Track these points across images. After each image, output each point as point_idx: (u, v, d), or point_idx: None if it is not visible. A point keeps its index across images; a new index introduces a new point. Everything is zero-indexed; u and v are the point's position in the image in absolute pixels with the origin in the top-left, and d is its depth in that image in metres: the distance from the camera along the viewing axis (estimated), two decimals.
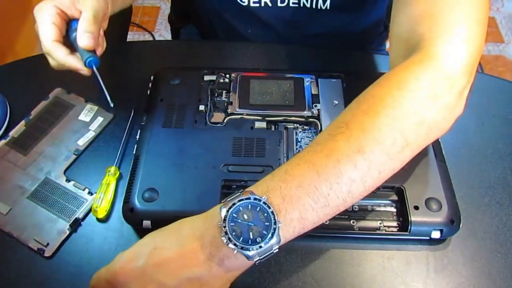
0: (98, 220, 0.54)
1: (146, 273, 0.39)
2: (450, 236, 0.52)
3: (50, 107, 0.64)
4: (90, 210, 0.55)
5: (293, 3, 0.70)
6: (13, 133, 0.62)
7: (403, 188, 0.52)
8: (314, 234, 0.52)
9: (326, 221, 0.51)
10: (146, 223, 0.51)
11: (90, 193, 0.56)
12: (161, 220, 0.51)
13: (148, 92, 0.63)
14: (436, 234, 0.51)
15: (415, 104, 0.43)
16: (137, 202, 0.51)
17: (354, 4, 0.71)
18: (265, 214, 0.39)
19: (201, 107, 0.61)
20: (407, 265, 0.51)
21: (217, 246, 0.39)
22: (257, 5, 0.70)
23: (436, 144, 0.57)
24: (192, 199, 0.52)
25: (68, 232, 0.53)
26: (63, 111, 0.64)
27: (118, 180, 0.57)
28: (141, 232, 0.53)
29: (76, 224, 0.54)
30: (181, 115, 0.59)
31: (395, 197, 0.53)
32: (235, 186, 0.53)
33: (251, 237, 0.39)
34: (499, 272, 0.51)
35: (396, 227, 0.52)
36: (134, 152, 0.57)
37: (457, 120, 0.63)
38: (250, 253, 0.39)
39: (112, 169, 0.57)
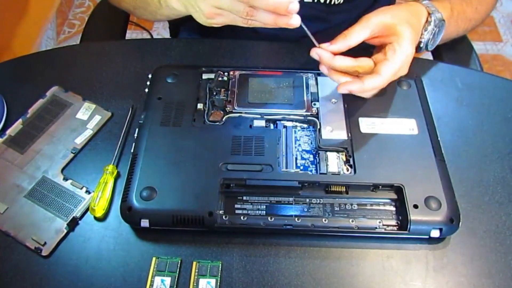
0: (96, 219, 0.54)
1: None
2: (450, 235, 0.52)
3: (47, 105, 0.64)
4: (87, 209, 0.54)
5: None
6: (10, 131, 0.61)
7: (402, 186, 0.52)
8: (313, 233, 0.52)
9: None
10: (144, 222, 0.51)
11: (88, 192, 0.56)
12: (159, 219, 0.51)
13: (146, 90, 0.63)
14: (435, 233, 0.51)
15: None
16: (135, 201, 0.51)
17: None
18: None
19: (200, 106, 0.60)
20: (407, 264, 0.51)
21: None
22: None
23: (435, 143, 0.57)
24: (191, 197, 0.51)
25: (65, 231, 0.53)
26: (60, 109, 0.63)
27: (116, 179, 0.57)
28: (139, 231, 0.53)
29: (73, 223, 0.53)
30: (179, 114, 0.59)
31: (394, 196, 0.53)
32: (234, 185, 0.53)
33: None
34: (499, 271, 0.51)
35: (395, 226, 0.52)
36: (132, 151, 0.57)
37: (457, 119, 0.63)
38: None
39: (110, 167, 0.57)
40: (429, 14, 0.61)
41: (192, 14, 0.57)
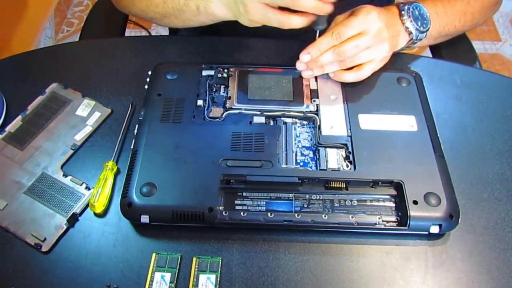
0: (96, 215, 0.54)
1: None
2: (449, 231, 0.52)
3: (46, 102, 0.64)
4: (87, 205, 0.54)
5: None
6: (10, 128, 0.61)
7: (402, 183, 0.52)
8: (313, 229, 0.52)
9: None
10: (144, 217, 0.51)
11: (88, 188, 0.56)
12: (159, 215, 0.51)
13: (146, 87, 0.63)
14: (435, 229, 0.51)
15: None
16: (135, 197, 0.51)
17: None
18: None
19: (200, 102, 0.60)
20: (406, 260, 0.51)
21: None
22: None
23: (434, 139, 0.57)
24: (191, 193, 0.51)
25: (65, 227, 0.53)
26: (60, 106, 0.63)
27: (116, 175, 0.57)
28: (139, 227, 0.53)
29: (73, 219, 0.53)
30: (179, 110, 0.59)
31: (394, 192, 0.53)
32: (234, 181, 0.53)
33: None
34: (498, 267, 0.51)
35: (395, 222, 0.52)
36: (132, 147, 0.57)
37: (456, 116, 0.63)
38: None
39: (110, 164, 0.57)
40: (397, 6, 0.63)
41: (236, 15, 0.61)
